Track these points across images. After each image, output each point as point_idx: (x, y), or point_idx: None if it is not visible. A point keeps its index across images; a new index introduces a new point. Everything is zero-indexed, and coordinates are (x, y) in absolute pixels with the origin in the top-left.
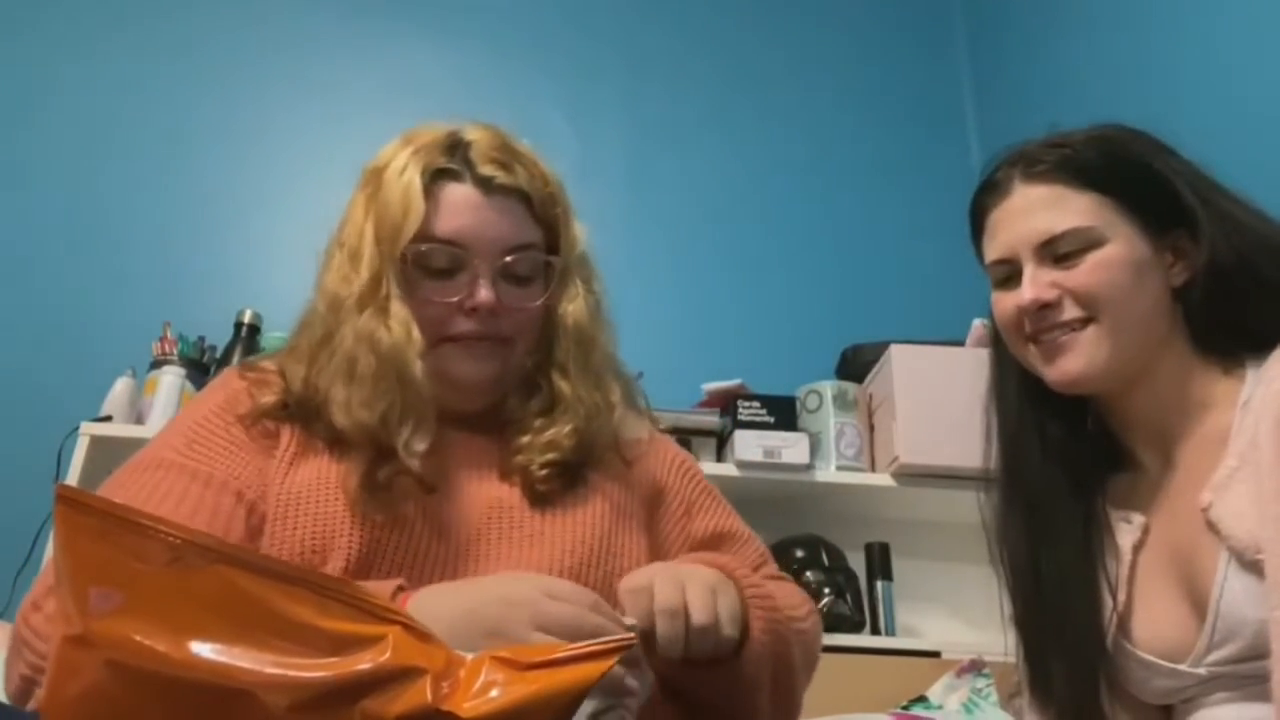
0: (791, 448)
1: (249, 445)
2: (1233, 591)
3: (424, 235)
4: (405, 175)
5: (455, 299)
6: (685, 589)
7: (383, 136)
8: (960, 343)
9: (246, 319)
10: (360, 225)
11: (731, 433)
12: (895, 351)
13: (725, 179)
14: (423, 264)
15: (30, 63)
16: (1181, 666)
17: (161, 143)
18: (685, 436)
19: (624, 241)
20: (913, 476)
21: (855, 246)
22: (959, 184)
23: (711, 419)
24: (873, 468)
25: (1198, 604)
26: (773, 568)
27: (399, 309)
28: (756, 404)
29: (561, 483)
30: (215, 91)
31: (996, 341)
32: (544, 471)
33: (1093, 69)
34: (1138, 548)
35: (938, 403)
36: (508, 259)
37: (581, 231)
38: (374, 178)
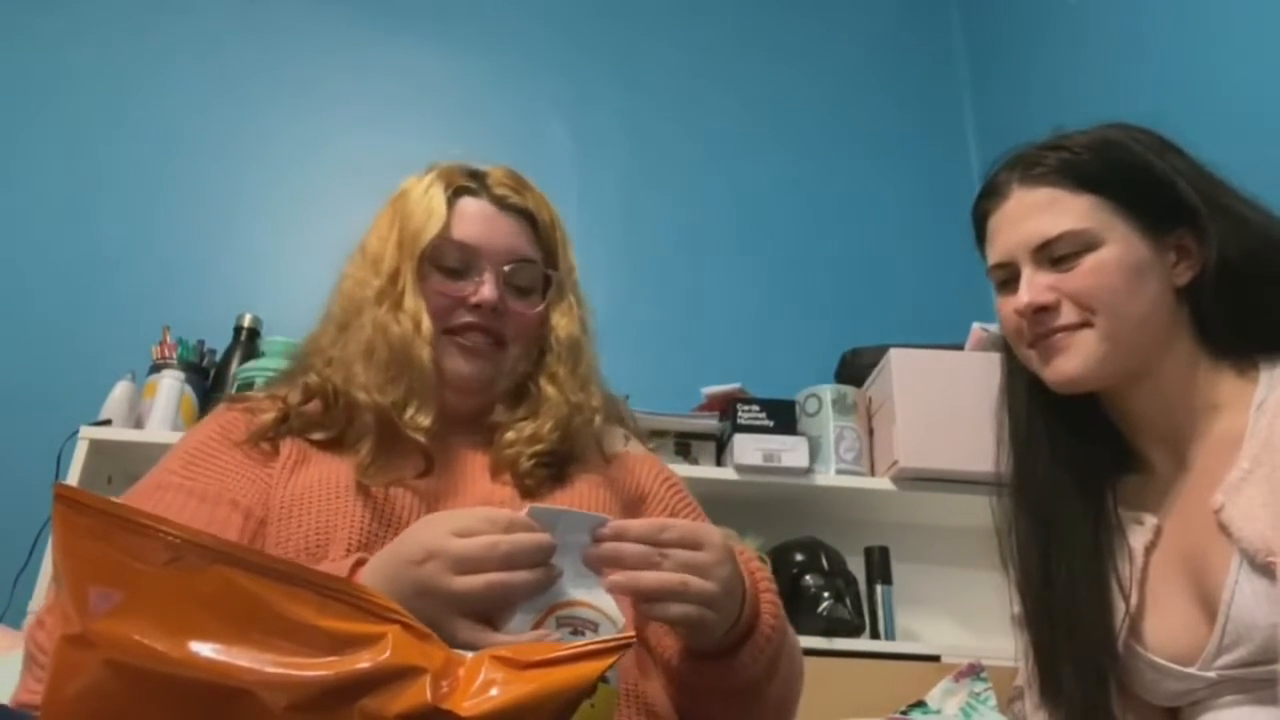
0: (791, 451)
1: (246, 463)
2: (1244, 595)
3: (442, 238)
4: (430, 191)
5: (462, 294)
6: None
7: (384, 144)
8: (960, 346)
9: (246, 323)
10: (384, 234)
11: (731, 436)
12: (895, 355)
13: (724, 183)
14: (437, 261)
15: (31, 64)
16: (1190, 669)
17: (162, 147)
18: (684, 440)
19: (623, 246)
20: (912, 480)
21: (854, 250)
22: (958, 187)
23: (711, 422)
24: (872, 471)
25: (1208, 607)
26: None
27: (411, 302)
28: (756, 407)
29: (548, 473)
30: (217, 97)
31: (1006, 345)
32: (530, 463)
33: (1090, 69)
34: (1149, 549)
35: (937, 406)
36: (511, 266)
37: (576, 261)
38: (400, 198)
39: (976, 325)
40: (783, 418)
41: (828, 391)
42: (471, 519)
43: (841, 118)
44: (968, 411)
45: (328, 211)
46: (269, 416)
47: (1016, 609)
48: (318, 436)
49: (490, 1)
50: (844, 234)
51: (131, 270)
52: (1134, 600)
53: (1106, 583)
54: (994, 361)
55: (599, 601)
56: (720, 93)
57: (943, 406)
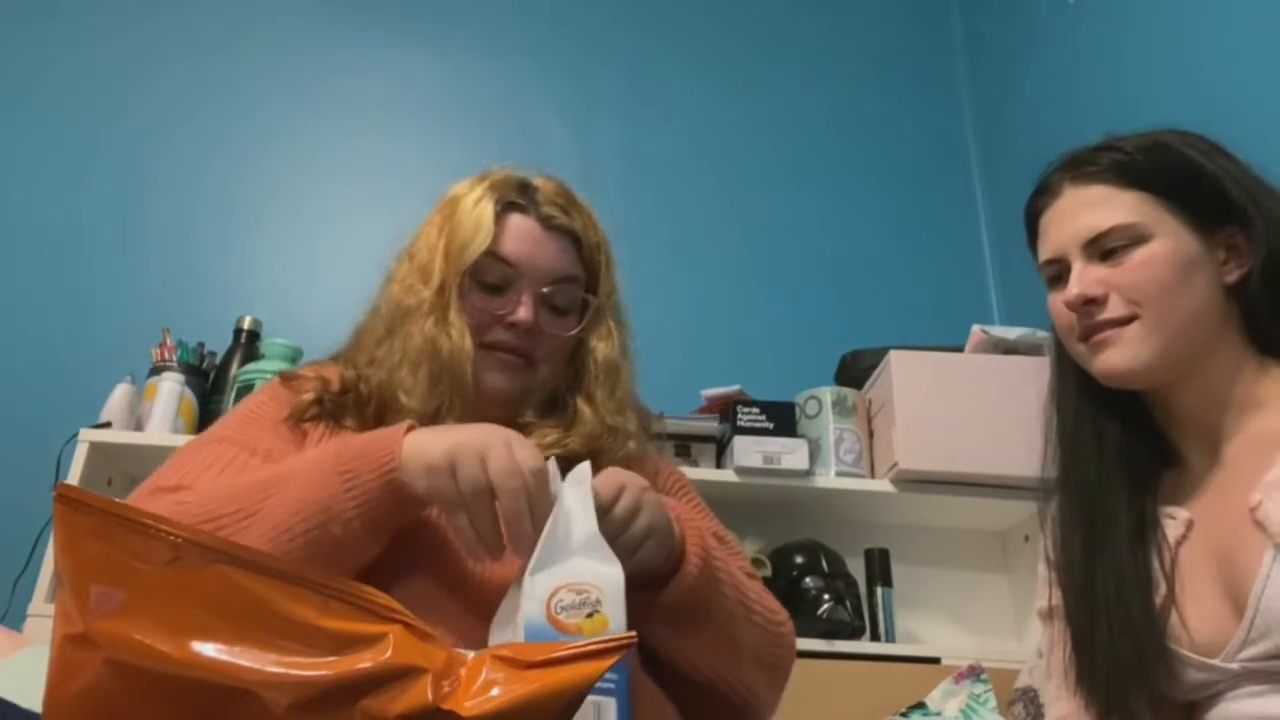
0: (791, 454)
1: (289, 437)
2: (1275, 587)
3: (486, 253)
4: (480, 204)
5: (499, 312)
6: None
7: (384, 147)
8: (960, 348)
9: (246, 325)
10: (433, 243)
11: (731, 439)
12: (894, 357)
13: (724, 185)
14: (477, 277)
15: (29, 64)
16: (1214, 661)
17: (162, 149)
18: (684, 442)
19: (622, 247)
20: (912, 482)
21: (854, 252)
22: (958, 189)
23: (711, 425)
24: (872, 473)
25: (1236, 601)
26: (757, 581)
27: (456, 318)
28: (756, 410)
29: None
30: (216, 99)
31: (1057, 346)
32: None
33: (1088, 70)
34: (1180, 542)
35: (937, 408)
36: (551, 288)
37: (619, 281)
38: (451, 205)
39: (976, 327)
40: (783, 420)
41: (827, 393)
42: (521, 443)
43: (841, 119)
44: (968, 413)
45: (327, 214)
46: (308, 397)
47: (1044, 603)
48: (349, 424)
49: (491, 5)
50: (844, 235)
51: (131, 272)
52: (1164, 592)
53: (1149, 574)
54: (993, 364)
55: (598, 572)
56: (719, 95)
57: (942, 408)
